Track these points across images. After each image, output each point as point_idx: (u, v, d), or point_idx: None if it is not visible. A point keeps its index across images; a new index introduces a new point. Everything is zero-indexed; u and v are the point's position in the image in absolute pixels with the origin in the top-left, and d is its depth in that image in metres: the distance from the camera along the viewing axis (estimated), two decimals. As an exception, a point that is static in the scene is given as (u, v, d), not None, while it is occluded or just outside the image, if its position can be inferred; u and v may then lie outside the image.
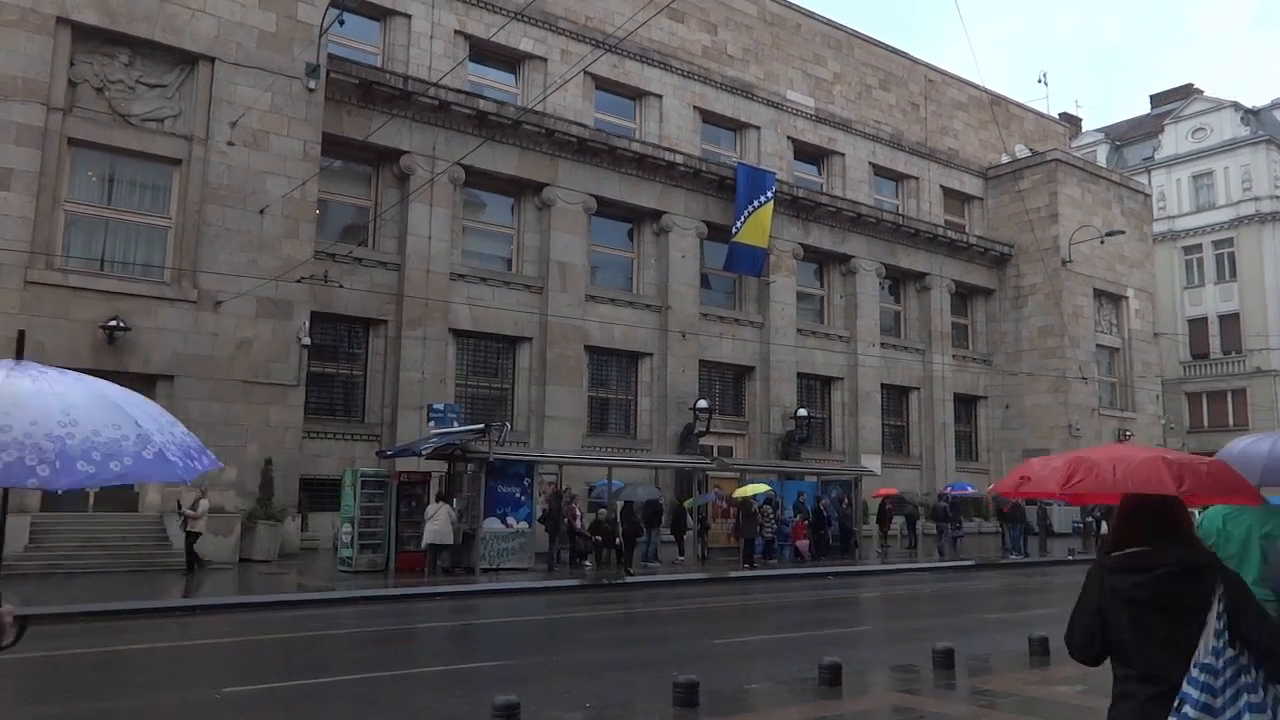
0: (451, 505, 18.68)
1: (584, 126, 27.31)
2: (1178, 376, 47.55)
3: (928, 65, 38.98)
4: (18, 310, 17.67)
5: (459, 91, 25.04)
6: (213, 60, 20.01)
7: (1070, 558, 27.10)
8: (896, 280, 36.54)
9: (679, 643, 11.84)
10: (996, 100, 41.44)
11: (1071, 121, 53.16)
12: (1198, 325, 48.37)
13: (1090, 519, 32.68)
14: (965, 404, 38.18)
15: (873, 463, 32.05)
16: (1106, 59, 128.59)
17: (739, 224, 29.49)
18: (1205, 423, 47.29)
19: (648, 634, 12.13)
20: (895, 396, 35.83)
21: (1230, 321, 47.28)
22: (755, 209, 29.66)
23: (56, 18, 18.38)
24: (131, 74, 19.54)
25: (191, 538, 17.02)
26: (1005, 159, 40.30)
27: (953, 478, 34.53)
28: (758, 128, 32.82)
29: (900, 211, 36.81)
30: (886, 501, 29.73)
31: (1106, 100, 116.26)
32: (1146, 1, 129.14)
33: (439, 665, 10.04)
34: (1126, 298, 40.64)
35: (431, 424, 21.48)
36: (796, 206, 32.10)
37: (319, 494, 22.06)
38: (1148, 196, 44.35)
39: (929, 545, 29.45)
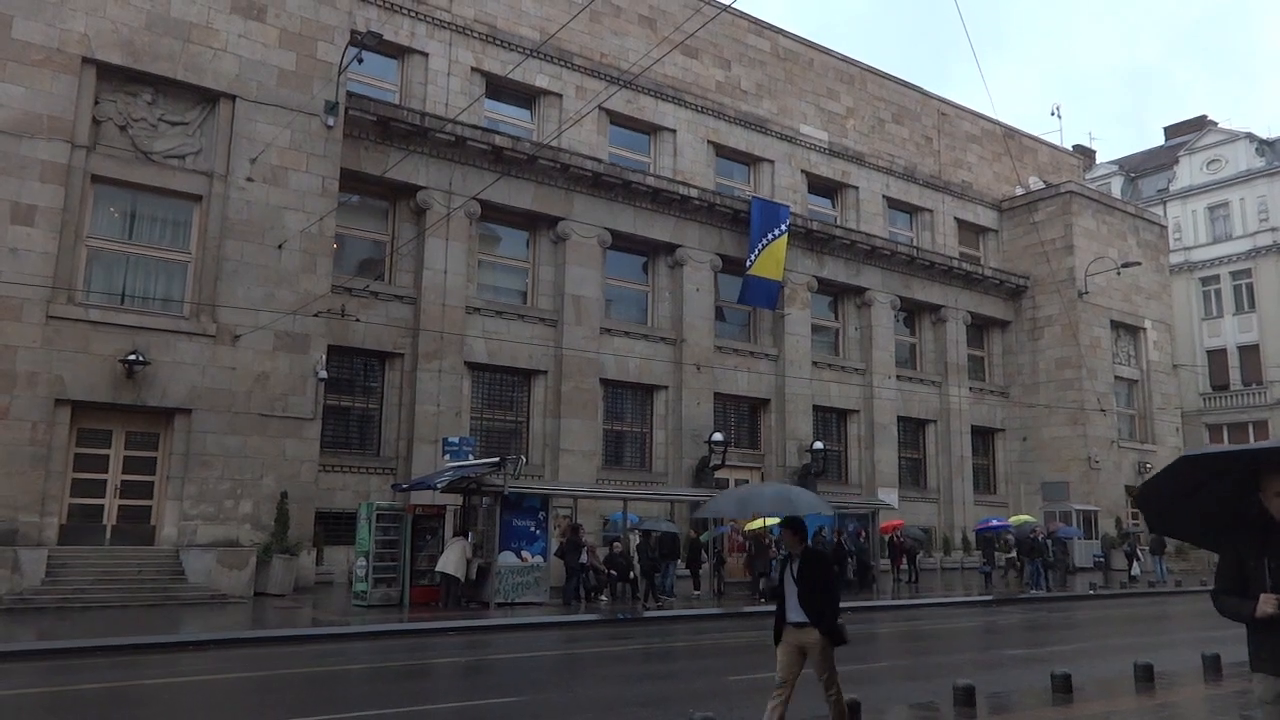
0: (467, 539, 18.64)
1: (599, 161, 27.54)
2: (1198, 408, 47.09)
3: (940, 99, 39.18)
4: (39, 345, 17.87)
5: (475, 127, 25.32)
6: (234, 98, 20.34)
7: (1091, 592, 26.68)
8: (911, 312, 36.47)
9: (695, 679, 11.72)
10: (1010, 133, 41.57)
11: (1085, 154, 53.22)
12: (1217, 356, 47.95)
13: (1125, 549, 32.43)
14: (983, 436, 37.92)
15: (889, 496, 31.81)
16: (1132, 85, 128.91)
17: (753, 257, 29.57)
18: (1227, 455, 46.61)
19: (664, 670, 12.01)
20: (912, 429, 35.63)
21: (1250, 353, 46.86)
22: (769, 242, 29.74)
23: (82, 58, 18.74)
24: (154, 112, 19.88)
25: None
26: (1019, 191, 40.33)
27: (971, 511, 34.18)
28: (771, 161, 32.99)
29: (915, 244, 36.82)
30: (896, 534, 29.10)
31: (1135, 130, 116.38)
32: (1171, 30, 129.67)
33: (454, 701, 9.96)
34: (1144, 329, 40.42)
35: (446, 457, 21.49)
36: (810, 239, 32.17)
37: (334, 527, 22.07)
38: (1163, 228, 44.24)
39: (927, 579, 28.98)
